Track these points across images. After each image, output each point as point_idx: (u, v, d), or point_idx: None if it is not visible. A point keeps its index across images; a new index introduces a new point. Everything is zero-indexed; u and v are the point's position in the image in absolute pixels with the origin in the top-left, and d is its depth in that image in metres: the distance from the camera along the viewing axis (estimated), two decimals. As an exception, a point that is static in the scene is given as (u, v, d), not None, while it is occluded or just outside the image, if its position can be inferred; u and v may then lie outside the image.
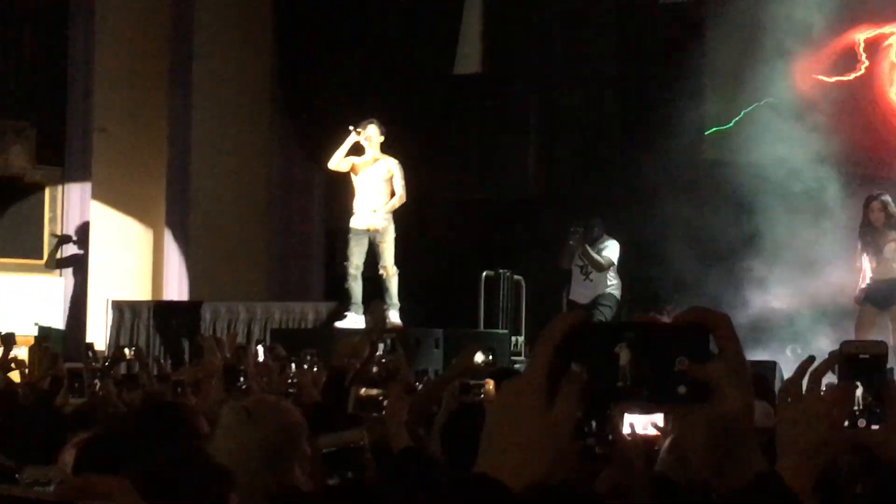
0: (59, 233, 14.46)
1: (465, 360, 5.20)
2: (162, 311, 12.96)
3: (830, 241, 11.50)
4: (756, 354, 10.35)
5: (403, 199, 11.01)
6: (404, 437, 3.50)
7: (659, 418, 3.97)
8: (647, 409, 1.30)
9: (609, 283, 11.55)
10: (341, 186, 11.47)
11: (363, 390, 3.60)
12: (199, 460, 2.37)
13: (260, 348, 8.49)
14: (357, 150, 10.98)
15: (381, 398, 3.56)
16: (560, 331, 1.22)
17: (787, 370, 9.29)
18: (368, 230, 10.94)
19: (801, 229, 11.70)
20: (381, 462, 3.52)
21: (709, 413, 1.20)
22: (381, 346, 7.71)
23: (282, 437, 3.02)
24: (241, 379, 6.56)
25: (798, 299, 11.84)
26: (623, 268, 11.72)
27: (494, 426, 1.22)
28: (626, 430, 3.47)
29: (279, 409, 3.10)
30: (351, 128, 10.87)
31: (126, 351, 9.90)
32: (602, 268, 11.44)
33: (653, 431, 4.03)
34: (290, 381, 6.49)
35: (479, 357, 5.36)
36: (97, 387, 5.60)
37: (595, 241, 11.46)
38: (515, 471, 1.19)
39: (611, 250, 11.49)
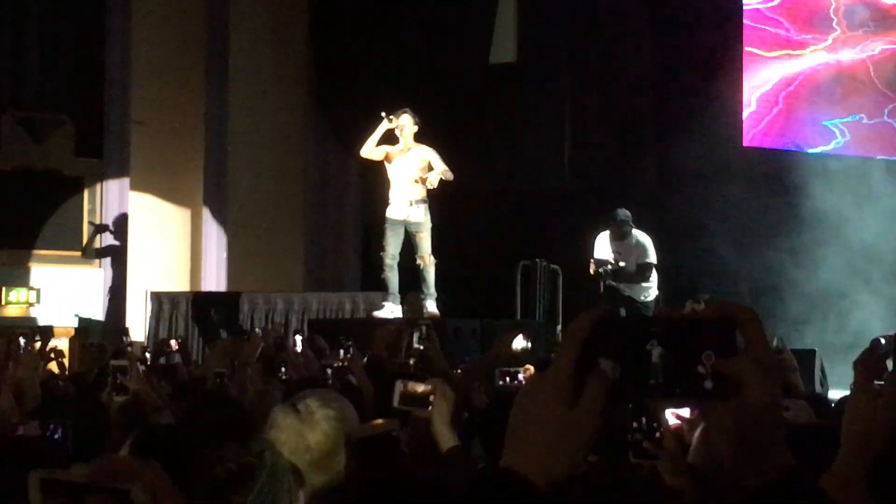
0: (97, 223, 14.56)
1: (504, 346, 5.14)
2: (200, 301, 13.02)
3: (874, 225, 11.41)
4: (796, 342, 10.29)
5: (450, 176, 10.61)
6: (451, 437, 3.41)
7: (684, 411, 3.93)
8: (675, 405, 1.29)
9: (649, 282, 11.26)
10: (377, 177, 11.44)
11: (409, 385, 3.52)
12: (266, 455, 2.32)
13: (298, 338, 8.54)
14: (390, 139, 10.88)
15: (426, 395, 3.48)
16: (586, 326, 1.22)
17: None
18: (405, 221, 10.87)
19: (846, 213, 11.62)
20: (422, 460, 3.42)
21: (735, 407, 1.20)
22: (415, 335, 7.74)
23: (332, 438, 2.97)
24: (283, 369, 6.63)
25: (842, 285, 11.75)
26: (659, 253, 11.46)
27: (519, 420, 1.22)
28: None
29: (329, 408, 3.03)
30: (383, 114, 10.63)
31: (172, 342, 10.00)
32: (648, 278, 11.15)
33: (676, 422, 4.00)
34: (330, 368, 6.53)
35: (520, 343, 5.30)
36: (140, 374, 5.59)
37: (625, 238, 11.11)
38: (539, 466, 1.19)
39: (651, 253, 11.10)
